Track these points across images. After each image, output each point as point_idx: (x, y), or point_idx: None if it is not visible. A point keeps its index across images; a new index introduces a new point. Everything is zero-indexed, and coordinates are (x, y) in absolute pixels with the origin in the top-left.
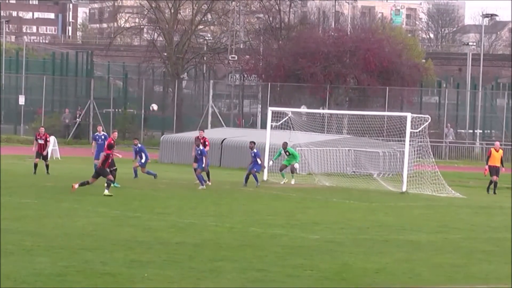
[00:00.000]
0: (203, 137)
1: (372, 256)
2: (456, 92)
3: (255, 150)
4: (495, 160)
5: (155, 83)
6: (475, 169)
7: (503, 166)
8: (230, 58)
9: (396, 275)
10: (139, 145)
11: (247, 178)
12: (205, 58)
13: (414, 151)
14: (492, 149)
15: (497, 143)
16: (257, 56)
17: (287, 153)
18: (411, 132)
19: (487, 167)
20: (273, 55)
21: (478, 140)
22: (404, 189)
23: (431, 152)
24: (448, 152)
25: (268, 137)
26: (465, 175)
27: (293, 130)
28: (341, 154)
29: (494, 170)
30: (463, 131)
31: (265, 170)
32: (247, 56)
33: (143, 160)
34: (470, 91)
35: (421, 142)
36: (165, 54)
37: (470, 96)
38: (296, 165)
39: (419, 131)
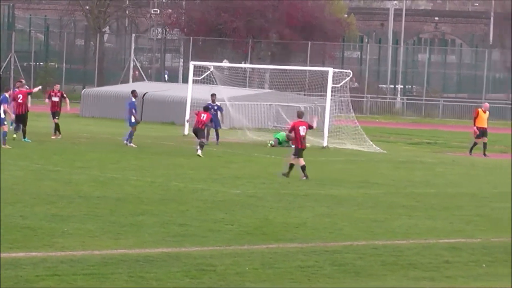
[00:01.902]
0: (59, 90)
1: (293, 211)
2: (378, 47)
3: (218, 103)
4: (483, 121)
5: (76, 36)
6: (396, 124)
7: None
8: (152, 11)
9: (317, 229)
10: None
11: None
12: (127, 11)
13: (335, 106)
14: (480, 110)
15: (486, 104)
16: (180, 10)
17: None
18: (332, 87)
19: (475, 128)
20: (195, 9)
21: (399, 95)
22: (325, 144)
23: (351, 107)
24: (370, 107)
25: (190, 92)
26: (386, 130)
27: (215, 84)
28: (262, 109)
29: (481, 132)
30: (384, 86)
31: (186, 125)
32: (170, 10)
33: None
34: (392, 46)
35: (342, 97)
36: (87, 7)
37: (391, 51)
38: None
39: (341, 86)
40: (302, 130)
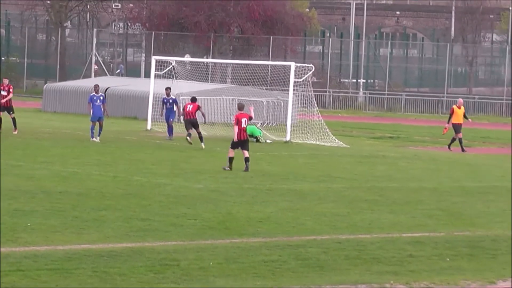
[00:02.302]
0: (8, 84)
1: (255, 205)
2: (340, 42)
3: (172, 97)
4: (459, 117)
5: (38, 31)
6: (358, 119)
7: (467, 119)
8: (113, 6)
9: (280, 224)
10: None
11: (170, 130)
12: (88, 6)
13: (298, 100)
14: (455, 107)
15: (460, 100)
16: (141, 4)
17: None
18: (294, 81)
19: (447, 125)
20: (156, 4)
21: (361, 90)
22: (288, 138)
23: (314, 101)
24: (332, 102)
25: (152, 86)
26: (349, 124)
27: (177, 79)
28: (224, 103)
29: (458, 127)
30: (346, 80)
31: (149, 119)
32: (131, 5)
33: None
34: (354, 40)
35: (304, 91)
36: (48, 2)
37: (353, 46)
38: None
39: (303, 80)
40: (244, 122)
